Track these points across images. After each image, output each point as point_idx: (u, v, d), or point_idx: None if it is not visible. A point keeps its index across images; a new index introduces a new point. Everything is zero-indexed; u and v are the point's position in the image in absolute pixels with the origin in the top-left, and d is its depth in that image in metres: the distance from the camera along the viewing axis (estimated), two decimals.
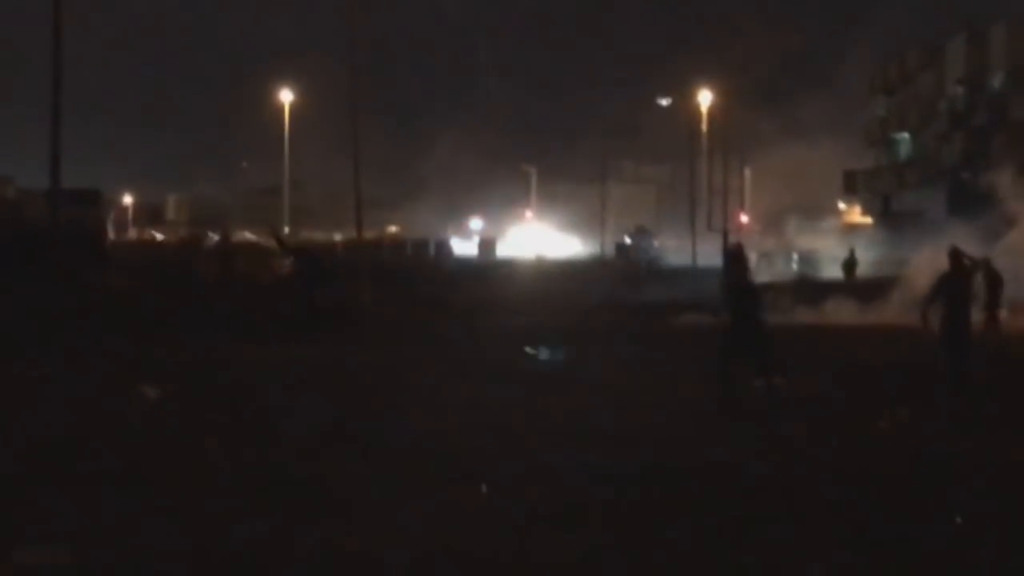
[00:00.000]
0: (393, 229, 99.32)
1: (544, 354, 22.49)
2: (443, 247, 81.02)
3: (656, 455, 12.81)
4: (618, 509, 10.41)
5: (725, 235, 63.94)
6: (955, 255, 16.94)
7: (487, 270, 64.21)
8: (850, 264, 45.61)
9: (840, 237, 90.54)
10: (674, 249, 73.32)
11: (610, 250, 77.34)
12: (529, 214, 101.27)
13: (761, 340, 15.99)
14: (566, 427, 14.60)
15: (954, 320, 16.52)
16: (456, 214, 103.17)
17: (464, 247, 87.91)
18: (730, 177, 68.95)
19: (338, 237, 75.61)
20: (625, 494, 10.91)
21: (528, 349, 23.09)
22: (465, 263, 71.61)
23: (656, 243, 78.07)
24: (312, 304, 28.69)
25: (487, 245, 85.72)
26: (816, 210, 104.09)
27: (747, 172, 77.22)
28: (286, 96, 78.60)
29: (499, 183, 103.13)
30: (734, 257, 17.13)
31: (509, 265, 68.62)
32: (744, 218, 74.36)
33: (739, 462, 12.43)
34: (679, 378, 18.88)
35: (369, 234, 60.37)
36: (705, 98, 73.29)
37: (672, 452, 13.03)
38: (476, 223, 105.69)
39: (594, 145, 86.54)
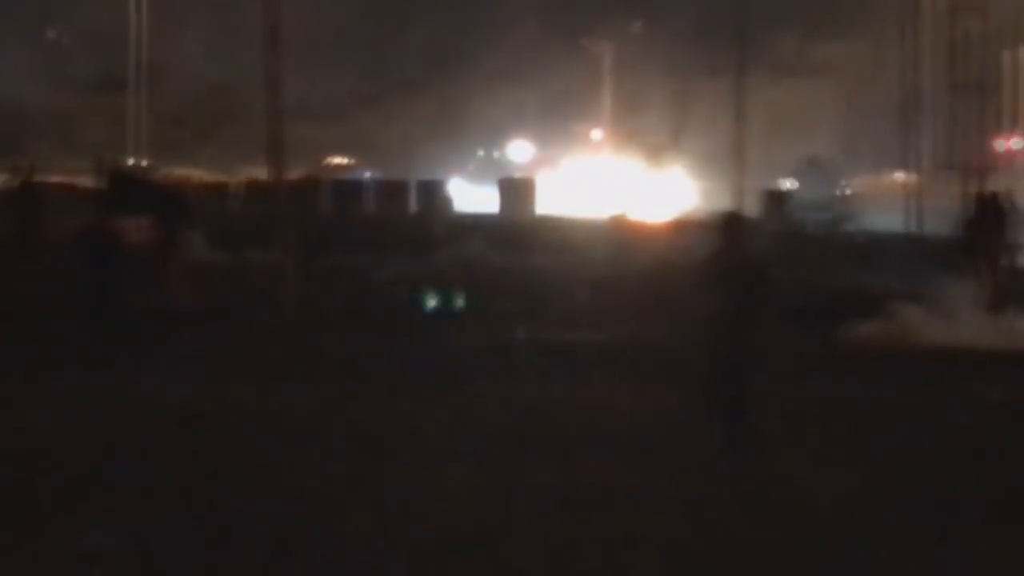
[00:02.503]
0: (339, 161, 61.49)
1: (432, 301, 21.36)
2: (434, 196, 43.15)
3: None
4: None
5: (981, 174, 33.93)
6: (981, 198, 22.35)
7: (515, 244, 33.23)
8: None
9: None
10: (870, 201, 40.80)
11: (752, 203, 40.82)
12: (597, 134, 60.91)
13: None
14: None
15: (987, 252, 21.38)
16: (467, 139, 62.35)
17: (477, 195, 50.83)
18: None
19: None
20: None
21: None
22: (473, 225, 37.04)
23: (840, 190, 43.59)
24: (106, 296, 19.20)
25: (519, 191, 47.35)
26: None
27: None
28: None
29: (546, 79, 60.48)
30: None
31: (559, 231, 35.72)
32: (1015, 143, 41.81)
33: None
34: None
35: (295, 172, 33.02)
36: None
37: None
38: (521, 148, 66.91)
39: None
